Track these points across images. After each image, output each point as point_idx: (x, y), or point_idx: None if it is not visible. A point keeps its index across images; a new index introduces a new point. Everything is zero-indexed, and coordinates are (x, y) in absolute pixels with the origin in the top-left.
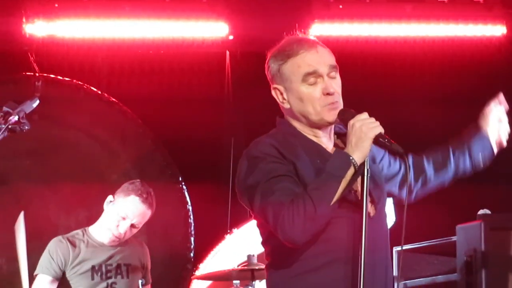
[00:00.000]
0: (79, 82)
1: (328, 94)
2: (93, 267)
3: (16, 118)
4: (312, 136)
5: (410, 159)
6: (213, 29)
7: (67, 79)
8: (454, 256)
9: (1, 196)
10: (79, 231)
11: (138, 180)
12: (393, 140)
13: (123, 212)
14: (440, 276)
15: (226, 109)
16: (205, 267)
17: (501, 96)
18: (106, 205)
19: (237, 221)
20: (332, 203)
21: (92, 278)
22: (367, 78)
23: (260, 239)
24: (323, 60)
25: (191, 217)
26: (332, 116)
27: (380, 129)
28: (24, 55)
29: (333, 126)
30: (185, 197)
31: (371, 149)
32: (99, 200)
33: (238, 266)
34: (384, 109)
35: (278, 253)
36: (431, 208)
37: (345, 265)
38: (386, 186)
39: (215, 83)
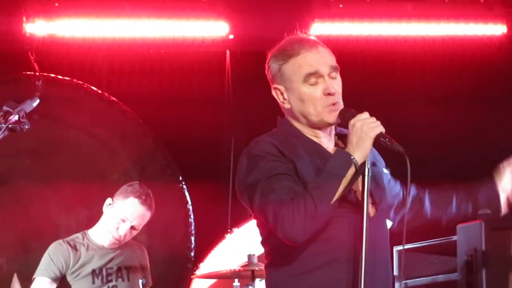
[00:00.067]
0: (80, 82)
1: (329, 94)
2: (93, 271)
3: (16, 117)
4: (312, 136)
5: (413, 190)
6: (214, 29)
7: (67, 78)
8: (454, 255)
9: (1, 195)
10: (78, 235)
11: (137, 182)
12: (394, 140)
13: (122, 215)
14: (440, 275)
15: (226, 109)
16: (205, 267)
17: None
18: (105, 208)
19: (238, 221)
20: (332, 202)
21: (93, 282)
22: (368, 77)
23: (260, 239)
24: (324, 60)
25: (192, 216)
26: (332, 117)
27: (381, 129)
28: (25, 54)
29: (333, 127)
30: (186, 197)
31: (375, 157)
32: (100, 199)
33: (238, 265)
34: (384, 109)
35: (278, 253)
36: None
37: (344, 265)
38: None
39: (215, 83)
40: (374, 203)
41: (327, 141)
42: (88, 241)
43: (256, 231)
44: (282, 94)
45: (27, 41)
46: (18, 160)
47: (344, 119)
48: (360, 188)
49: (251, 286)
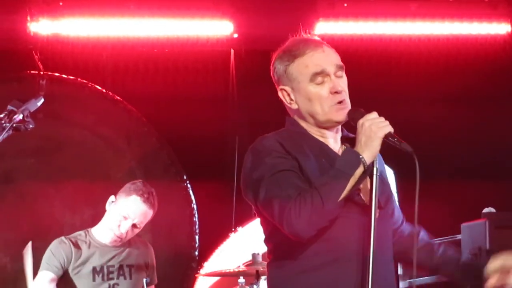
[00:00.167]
0: (84, 81)
1: (336, 92)
2: (94, 268)
3: (20, 116)
4: (319, 136)
5: (407, 227)
6: (218, 27)
7: (71, 77)
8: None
9: (6, 194)
10: (81, 232)
11: (140, 180)
12: (402, 140)
13: (124, 212)
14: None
15: (231, 108)
16: (210, 266)
17: None
18: (108, 206)
19: (242, 220)
20: (339, 200)
21: (93, 279)
22: (372, 76)
23: (263, 237)
24: (330, 59)
25: (196, 215)
26: (339, 115)
27: (389, 129)
28: (29, 53)
29: (340, 129)
30: (190, 196)
31: (382, 167)
32: (104, 198)
33: (243, 264)
34: (388, 108)
35: (280, 251)
36: (436, 207)
37: (347, 265)
38: None
39: (220, 82)
40: (379, 204)
41: (333, 142)
42: (90, 239)
43: (261, 229)
44: (288, 95)
45: (31, 40)
46: (22, 159)
47: (353, 119)
48: (367, 187)
49: (256, 285)
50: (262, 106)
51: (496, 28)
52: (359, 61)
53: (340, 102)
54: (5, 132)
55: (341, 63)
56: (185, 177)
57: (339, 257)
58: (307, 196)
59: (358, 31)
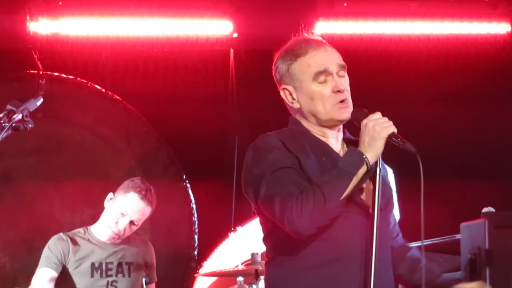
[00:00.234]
0: (83, 80)
1: (338, 91)
2: (92, 264)
3: (20, 116)
4: (320, 135)
5: (401, 241)
6: (217, 27)
7: (71, 77)
8: (458, 254)
9: (5, 194)
10: (80, 229)
11: (139, 177)
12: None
13: (122, 209)
14: (444, 274)
15: (230, 107)
16: (209, 265)
17: None
18: (106, 203)
19: (241, 219)
20: (341, 198)
21: (92, 276)
22: (372, 76)
23: (262, 236)
24: (332, 59)
25: (195, 215)
26: (341, 114)
27: (393, 129)
28: (28, 53)
29: (342, 130)
30: (189, 195)
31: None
32: (104, 198)
33: (242, 264)
34: (388, 107)
35: (279, 250)
36: (436, 206)
37: (347, 264)
38: None
39: (219, 81)
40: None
41: (334, 142)
42: (89, 236)
43: (260, 229)
44: (291, 94)
45: (30, 40)
46: (22, 159)
47: (356, 119)
48: (368, 188)
49: (255, 284)
50: (262, 106)
51: (496, 28)
52: (359, 61)
53: (342, 101)
54: (4, 131)
55: (343, 63)
56: (184, 177)
57: (338, 256)
58: (309, 193)
59: (358, 30)
